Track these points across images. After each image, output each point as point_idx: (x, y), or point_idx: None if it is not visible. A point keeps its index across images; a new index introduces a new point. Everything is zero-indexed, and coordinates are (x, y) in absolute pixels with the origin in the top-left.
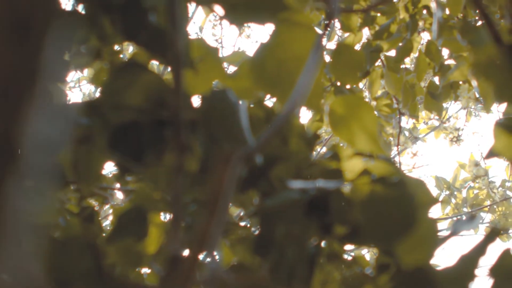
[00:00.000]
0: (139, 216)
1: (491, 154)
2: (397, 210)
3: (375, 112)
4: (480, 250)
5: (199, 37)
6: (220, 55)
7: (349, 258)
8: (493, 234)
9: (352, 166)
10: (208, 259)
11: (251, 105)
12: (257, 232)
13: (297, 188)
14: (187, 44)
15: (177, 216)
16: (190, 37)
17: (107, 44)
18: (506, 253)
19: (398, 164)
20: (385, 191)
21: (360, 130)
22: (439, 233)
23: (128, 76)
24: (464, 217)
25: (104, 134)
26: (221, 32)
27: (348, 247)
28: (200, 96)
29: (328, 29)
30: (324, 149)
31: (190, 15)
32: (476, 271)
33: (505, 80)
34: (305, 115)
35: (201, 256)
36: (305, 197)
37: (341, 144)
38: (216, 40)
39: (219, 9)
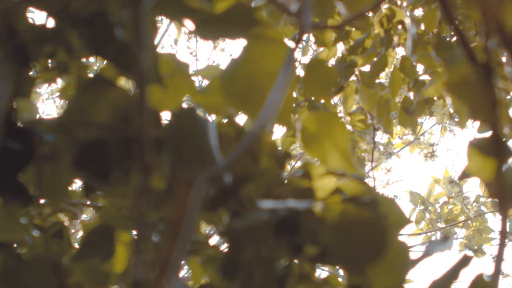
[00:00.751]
0: (106, 234)
1: (465, 175)
2: (368, 233)
3: (349, 128)
4: (452, 275)
5: (171, 51)
6: (194, 69)
7: (321, 277)
8: (466, 259)
9: (324, 184)
10: (174, 282)
11: (223, 121)
12: (225, 253)
13: (267, 208)
14: (155, 59)
15: (140, 239)
16: (159, 51)
17: (74, 58)
18: (479, 278)
19: (372, 180)
20: (356, 211)
21: (333, 148)
22: (411, 255)
23: (94, 92)
24: (438, 237)
25: (69, 151)
26: (196, 45)
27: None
28: (170, 113)
29: (300, 44)
30: (298, 163)
31: (165, 27)
32: None
33: (479, 99)
34: (278, 130)
35: (166, 279)
36: (275, 217)
37: (313, 162)
38: (191, 53)
39: (189, 24)
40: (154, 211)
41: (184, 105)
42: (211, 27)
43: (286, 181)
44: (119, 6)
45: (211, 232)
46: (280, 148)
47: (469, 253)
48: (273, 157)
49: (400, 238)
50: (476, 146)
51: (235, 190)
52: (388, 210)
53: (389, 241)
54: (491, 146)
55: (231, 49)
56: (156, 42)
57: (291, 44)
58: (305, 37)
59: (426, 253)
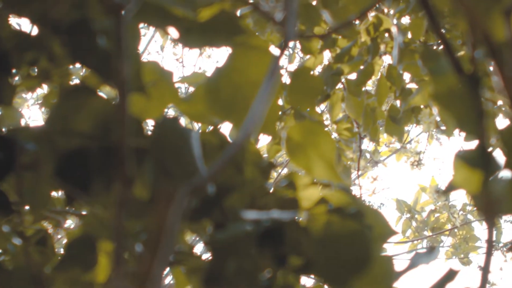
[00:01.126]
0: (88, 244)
1: (451, 187)
2: (353, 246)
3: (335, 136)
4: None
5: (157, 57)
6: (181, 76)
7: (307, 286)
8: (452, 273)
9: (309, 195)
10: None
11: (207, 130)
12: (208, 263)
13: (251, 218)
14: (138, 67)
15: (119, 250)
16: (142, 59)
17: (57, 66)
18: None
19: (358, 189)
20: (341, 222)
21: (318, 158)
22: (395, 267)
23: (77, 100)
24: (424, 245)
25: (50, 160)
26: (182, 52)
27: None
28: (153, 122)
29: (285, 53)
30: (285, 170)
31: (151, 34)
32: None
33: (465, 111)
34: (264, 138)
35: None
36: (259, 228)
37: (299, 171)
38: (177, 60)
39: (174, 32)
40: (137, 221)
41: (170, 114)
42: (195, 35)
43: (270, 191)
44: (101, 13)
45: (196, 240)
46: (265, 156)
47: (455, 267)
48: (257, 167)
49: (386, 246)
50: (462, 158)
51: (219, 201)
52: (374, 221)
53: (374, 253)
54: (477, 158)
55: (217, 56)
56: (142, 48)
57: (276, 52)
58: (291, 44)
59: (411, 265)
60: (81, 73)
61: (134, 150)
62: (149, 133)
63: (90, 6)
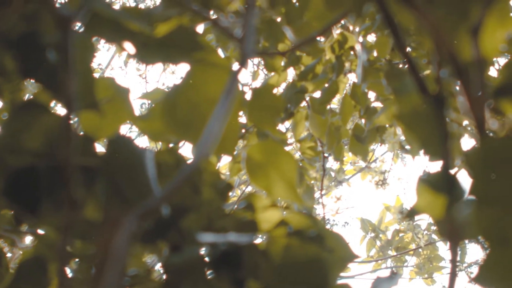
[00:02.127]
0: (40, 265)
1: (414, 212)
2: (311, 273)
3: (298, 155)
4: None
5: (120, 72)
6: (143, 91)
7: None
8: None
9: (268, 216)
10: None
11: (162, 150)
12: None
13: (207, 241)
14: (91, 83)
15: (62, 275)
16: (94, 75)
17: (7, 81)
18: None
19: (322, 208)
20: (301, 247)
21: (279, 178)
22: None
23: (27, 117)
24: (388, 264)
25: None
26: (146, 67)
27: None
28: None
29: (245, 70)
30: (249, 189)
31: (115, 49)
32: None
33: (430, 132)
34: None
35: None
36: (215, 252)
37: (259, 192)
38: (140, 75)
39: (129, 47)
40: (88, 243)
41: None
42: (152, 51)
43: (229, 213)
44: (51, 27)
45: (155, 261)
46: (227, 173)
47: None
48: (214, 188)
49: (350, 265)
50: (426, 182)
51: (174, 222)
52: (335, 244)
53: (332, 280)
54: (441, 182)
55: (182, 72)
56: (105, 63)
57: (235, 69)
58: (255, 61)
59: None
60: (34, 89)
61: (85, 169)
62: (101, 152)
63: (40, 18)
